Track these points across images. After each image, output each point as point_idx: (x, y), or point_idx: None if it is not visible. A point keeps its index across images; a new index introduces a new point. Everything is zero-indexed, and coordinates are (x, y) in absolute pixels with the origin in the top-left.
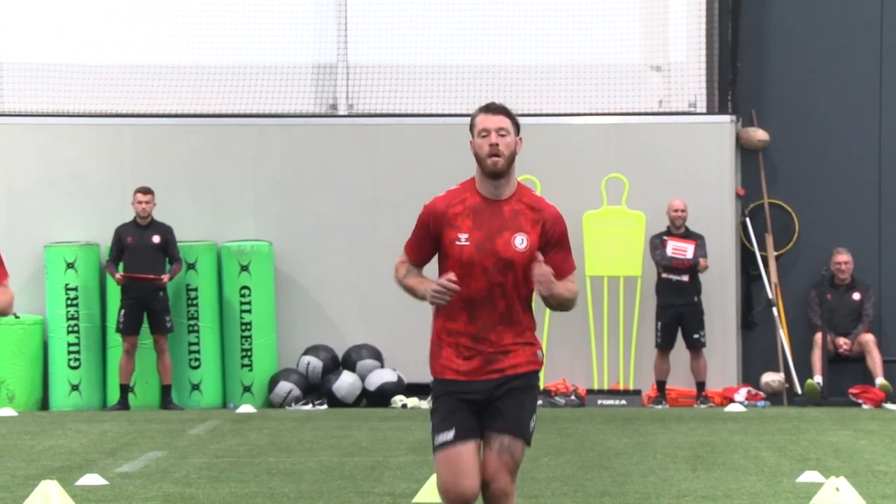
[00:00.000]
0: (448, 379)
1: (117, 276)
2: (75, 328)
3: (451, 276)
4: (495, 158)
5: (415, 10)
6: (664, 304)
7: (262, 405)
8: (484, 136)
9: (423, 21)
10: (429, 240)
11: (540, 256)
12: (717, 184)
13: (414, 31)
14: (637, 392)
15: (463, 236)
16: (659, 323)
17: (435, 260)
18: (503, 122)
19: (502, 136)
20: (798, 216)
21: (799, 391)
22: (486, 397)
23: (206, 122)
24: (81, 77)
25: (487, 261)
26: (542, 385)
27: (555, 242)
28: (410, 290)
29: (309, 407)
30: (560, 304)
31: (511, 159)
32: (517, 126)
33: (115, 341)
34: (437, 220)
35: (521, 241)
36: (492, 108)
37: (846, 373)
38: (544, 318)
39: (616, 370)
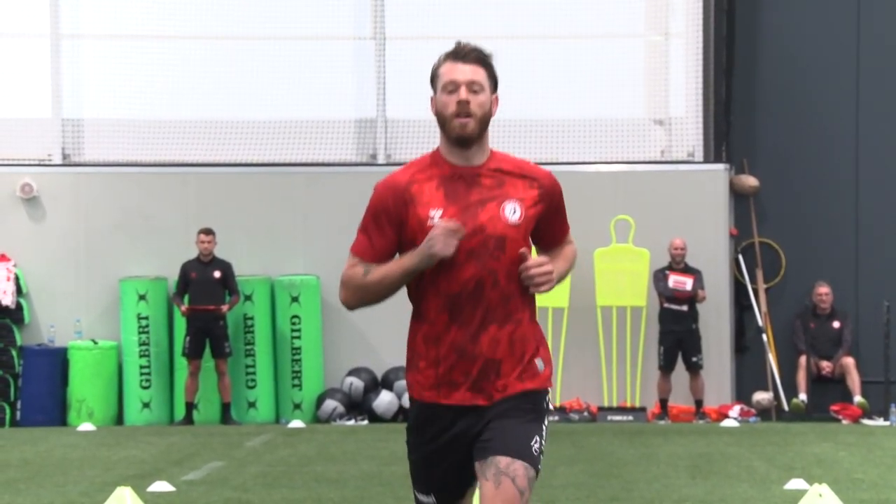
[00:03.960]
0: (427, 402)
1: (183, 307)
2: (146, 352)
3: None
4: (464, 120)
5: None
6: (666, 330)
7: (311, 421)
8: (450, 92)
9: None
10: (389, 227)
11: (526, 253)
12: (713, 224)
13: None
14: (643, 409)
15: (435, 213)
16: (661, 347)
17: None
18: (476, 73)
19: (474, 91)
20: (784, 253)
21: (786, 408)
22: (475, 423)
23: (261, 170)
24: (152, 131)
25: (471, 241)
26: (557, 402)
27: (555, 209)
28: (383, 282)
29: (352, 422)
30: (566, 276)
31: (484, 123)
32: (494, 80)
33: (181, 364)
34: (399, 197)
35: (513, 211)
36: (462, 54)
37: (828, 392)
38: (560, 343)
39: (624, 389)
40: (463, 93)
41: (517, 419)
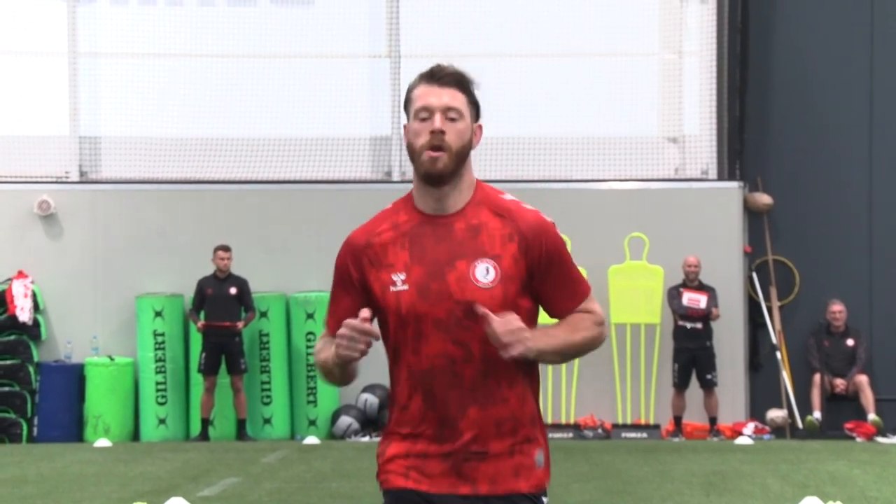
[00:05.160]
0: (399, 488)
1: (199, 323)
2: (162, 369)
3: (364, 312)
4: (435, 154)
5: None
6: (680, 348)
7: (326, 437)
8: (423, 120)
9: None
10: (352, 292)
11: (479, 306)
12: (727, 242)
13: None
14: (657, 426)
15: (398, 277)
16: (676, 365)
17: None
18: (454, 98)
19: (451, 119)
20: (798, 271)
21: (800, 426)
22: None
23: (277, 187)
24: (168, 148)
25: (438, 310)
26: (572, 419)
27: (546, 262)
28: (324, 368)
29: (366, 438)
30: (574, 351)
31: (461, 157)
32: (476, 106)
33: (197, 380)
34: (358, 260)
35: (485, 272)
36: (438, 76)
37: (842, 410)
38: (574, 360)
39: (638, 406)
40: (438, 121)
41: None
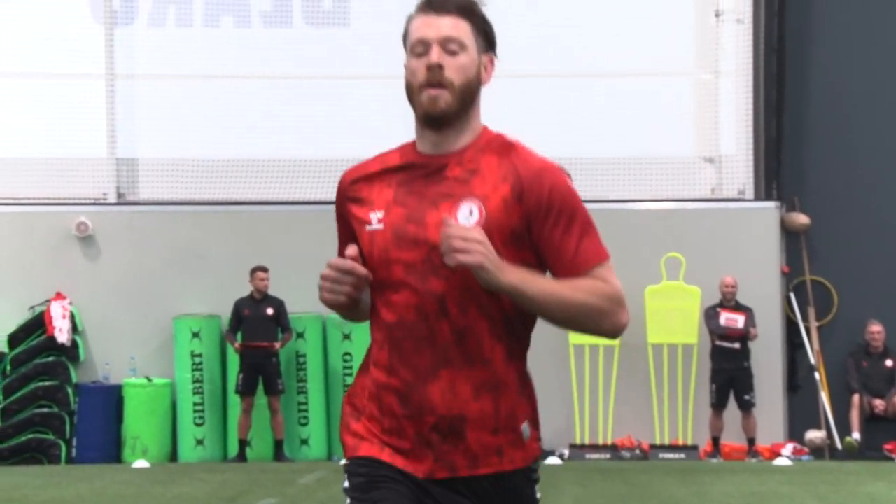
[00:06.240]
0: (362, 457)
1: (236, 345)
2: (200, 390)
3: (351, 250)
4: (434, 91)
5: (491, 106)
6: (718, 368)
7: None
8: (420, 55)
9: (501, 117)
10: (344, 232)
11: (447, 217)
12: (764, 262)
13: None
14: (695, 447)
15: (375, 215)
16: (713, 385)
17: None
18: (456, 27)
19: (451, 52)
20: (837, 291)
21: (839, 447)
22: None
23: (314, 208)
24: (205, 169)
25: (411, 254)
26: (609, 439)
27: (546, 211)
28: (339, 313)
29: None
30: (565, 312)
31: (466, 95)
32: (486, 35)
33: (234, 401)
34: (343, 198)
35: (467, 213)
36: (436, 3)
37: (881, 430)
38: (611, 381)
39: (676, 427)
40: (435, 54)
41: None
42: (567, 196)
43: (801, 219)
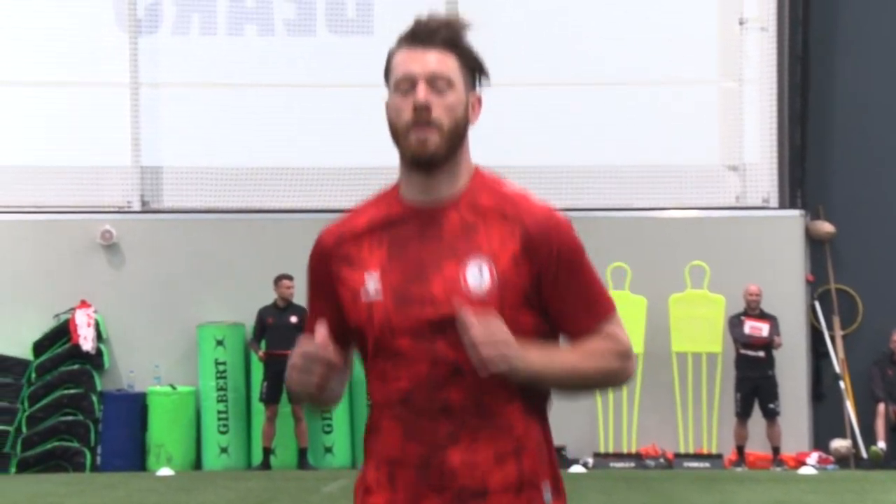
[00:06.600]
0: None
1: (260, 353)
2: (224, 398)
3: (321, 333)
4: (422, 133)
5: (516, 116)
6: (742, 377)
7: None
8: (405, 92)
9: (526, 124)
10: (325, 301)
11: (462, 305)
12: (789, 271)
13: (514, 133)
14: (719, 455)
15: (370, 279)
16: (738, 394)
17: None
18: (443, 61)
19: (438, 90)
20: (861, 300)
21: (864, 456)
22: None
23: (337, 216)
24: (229, 178)
25: (416, 320)
26: (634, 448)
27: (556, 268)
28: (296, 396)
29: None
30: (584, 384)
31: (455, 136)
32: (473, 70)
33: (258, 409)
34: (326, 263)
35: (476, 275)
36: (422, 35)
37: None
38: (636, 390)
39: (700, 436)
40: (421, 92)
41: None
42: (574, 249)
43: (826, 227)
